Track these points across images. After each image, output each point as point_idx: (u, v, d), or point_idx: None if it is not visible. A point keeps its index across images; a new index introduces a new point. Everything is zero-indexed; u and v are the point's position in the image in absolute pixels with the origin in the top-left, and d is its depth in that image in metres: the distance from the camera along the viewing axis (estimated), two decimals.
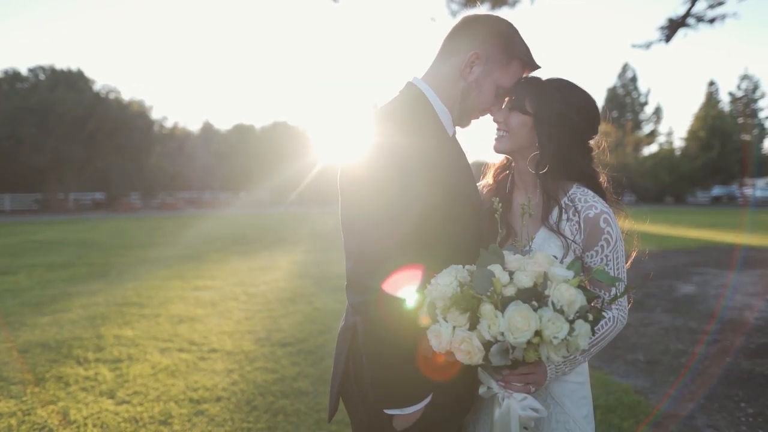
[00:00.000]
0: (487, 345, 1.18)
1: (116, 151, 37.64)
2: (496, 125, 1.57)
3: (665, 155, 50.27)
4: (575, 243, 1.46)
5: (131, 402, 3.89)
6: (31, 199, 38.07)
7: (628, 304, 1.51)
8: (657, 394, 4.07)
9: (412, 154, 1.31)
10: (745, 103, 53.31)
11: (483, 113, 1.57)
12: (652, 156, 51.73)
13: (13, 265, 10.55)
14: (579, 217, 1.47)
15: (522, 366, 1.30)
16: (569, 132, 1.48)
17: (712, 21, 9.15)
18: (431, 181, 1.33)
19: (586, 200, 1.49)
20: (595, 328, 1.42)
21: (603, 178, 1.59)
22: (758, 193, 49.55)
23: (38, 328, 5.84)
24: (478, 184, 1.71)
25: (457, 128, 1.61)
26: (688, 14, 9.07)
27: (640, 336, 5.56)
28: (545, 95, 1.49)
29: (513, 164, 1.64)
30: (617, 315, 1.46)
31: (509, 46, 1.47)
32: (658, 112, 58.09)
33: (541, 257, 1.25)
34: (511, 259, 1.27)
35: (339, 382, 1.47)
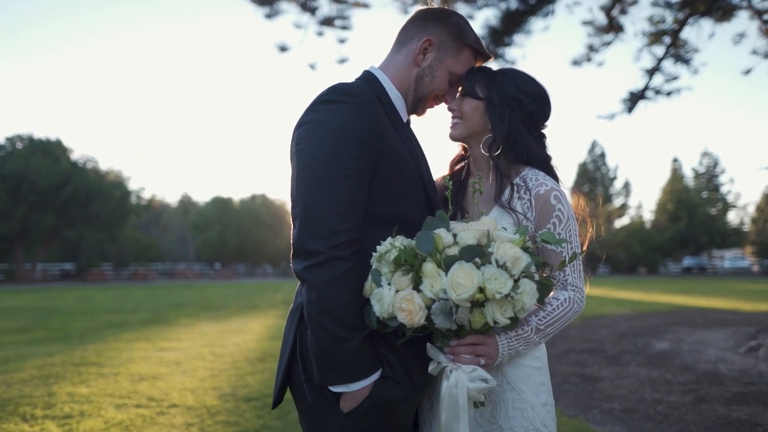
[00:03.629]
0: (429, 304, 1.14)
1: (90, 221, 37.11)
2: (450, 114, 1.61)
3: (636, 227, 51.59)
4: (527, 220, 1.46)
5: None
6: None
7: (585, 286, 1.49)
8: None
9: (359, 126, 1.32)
10: (708, 178, 55.72)
11: (437, 101, 1.61)
12: (624, 228, 53.03)
13: None
14: (530, 194, 1.48)
15: (470, 336, 1.25)
16: (520, 113, 1.52)
17: (669, 94, 9.85)
18: (378, 154, 1.34)
19: (536, 179, 1.51)
20: (551, 309, 1.39)
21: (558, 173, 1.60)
22: (727, 264, 50.69)
23: None
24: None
25: (414, 117, 1.64)
26: (646, 88, 9.75)
27: (615, 387, 5.44)
28: (495, 80, 1.55)
29: (468, 153, 1.67)
30: (573, 296, 1.43)
31: (461, 34, 1.54)
32: (627, 186, 60.19)
33: (487, 220, 1.25)
34: (457, 224, 1.26)
35: (285, 366, 1.38)
